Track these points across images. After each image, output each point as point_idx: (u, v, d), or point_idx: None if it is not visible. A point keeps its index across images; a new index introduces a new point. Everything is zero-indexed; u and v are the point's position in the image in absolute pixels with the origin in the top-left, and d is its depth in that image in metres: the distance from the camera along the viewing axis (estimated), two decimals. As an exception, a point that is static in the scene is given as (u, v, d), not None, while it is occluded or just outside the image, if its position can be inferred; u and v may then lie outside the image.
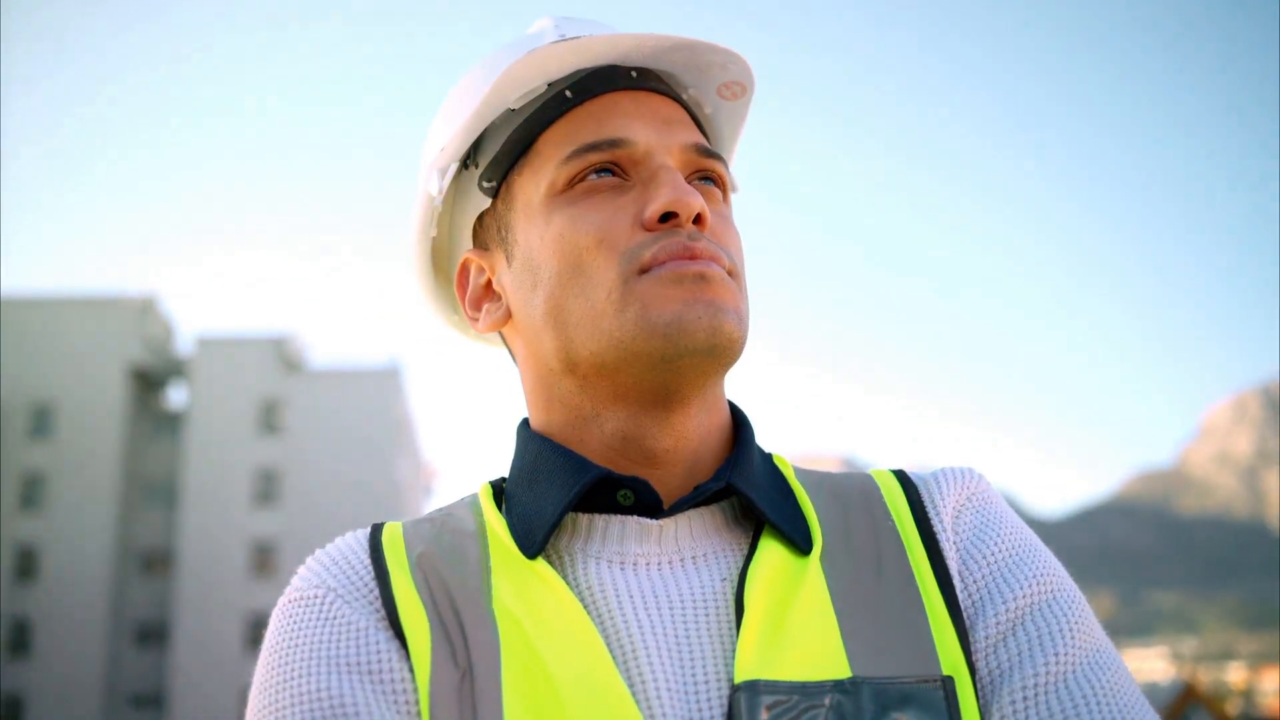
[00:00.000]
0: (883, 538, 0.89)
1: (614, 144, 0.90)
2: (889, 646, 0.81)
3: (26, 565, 45.61)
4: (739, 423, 0.96)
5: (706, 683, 0.79)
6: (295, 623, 0.84)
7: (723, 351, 0.85)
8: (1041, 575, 0.88)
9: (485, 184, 0.96)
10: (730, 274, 0.88)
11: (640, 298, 0.85)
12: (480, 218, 0.99)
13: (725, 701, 0.78)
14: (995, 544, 0.90)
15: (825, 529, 0.89)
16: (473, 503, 0.94)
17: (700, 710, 0.77)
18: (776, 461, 0.96)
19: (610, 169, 0.91)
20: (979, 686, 0.82)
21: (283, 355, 49.48)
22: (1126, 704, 0.82)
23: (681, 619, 0.82)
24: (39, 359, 47.21)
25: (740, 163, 1.07)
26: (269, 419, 48.53)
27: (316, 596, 0.85)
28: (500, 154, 0.95)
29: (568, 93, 0.93)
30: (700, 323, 0.84)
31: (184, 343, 53.14)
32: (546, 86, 0.93)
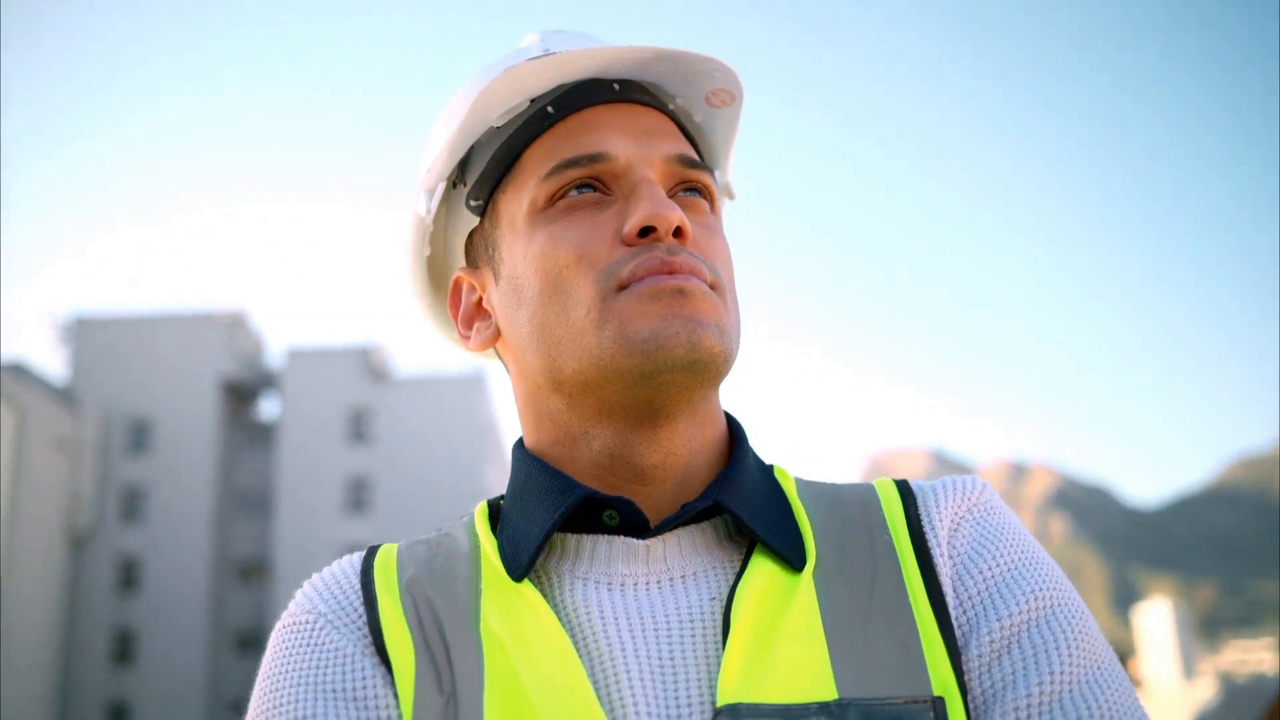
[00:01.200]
0: (878, 553, 0.87)
1: (593, 159, 0.89)
2: (878, 666, 0.79)
3: (130, 576, 46.75)
4: (735, 437, 0.95)
5: (690, 705, 0.78)
6: (286, 648, 0.86)
7: (704, 366, 0.85)
8: (1040, 589, 0.85)
9: (472, 203, 0.97)
10: (713, 287, 0.87)
11: (618, 315, 0.85)
12: (470, 235, 0.99)
13: None
14: (993, 557, 0.87)
15: (821, 544, 0.87)
16: (469, 523, 0.94)
17: None
18: (778, 475, 0.95)
19: (591, 184, 0.90)
20: (972, 706, 0.80)
21: (369, 365, 50.09)
22: (1125, 715, 0.79)
23: (666, 640, 0.81)
24: (136, 376, 48.35)
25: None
26: (358, 428, 49.15)
27: (306, 622, 0.87)
28: (485, 172, 0.95)
29: (549, 109, 0.93)
30: (678, 338, 0.83)
31: (273, 356, 54.12)
32: (529, 103, 0.93)
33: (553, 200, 0.91)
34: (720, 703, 0.76)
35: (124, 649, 46.27)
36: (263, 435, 51.83)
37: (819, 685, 0.77)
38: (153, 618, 46.23)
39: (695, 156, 0.93)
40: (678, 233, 0.86)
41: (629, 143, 0.90)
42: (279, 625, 0.89)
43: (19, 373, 42.24)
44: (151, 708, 45.59)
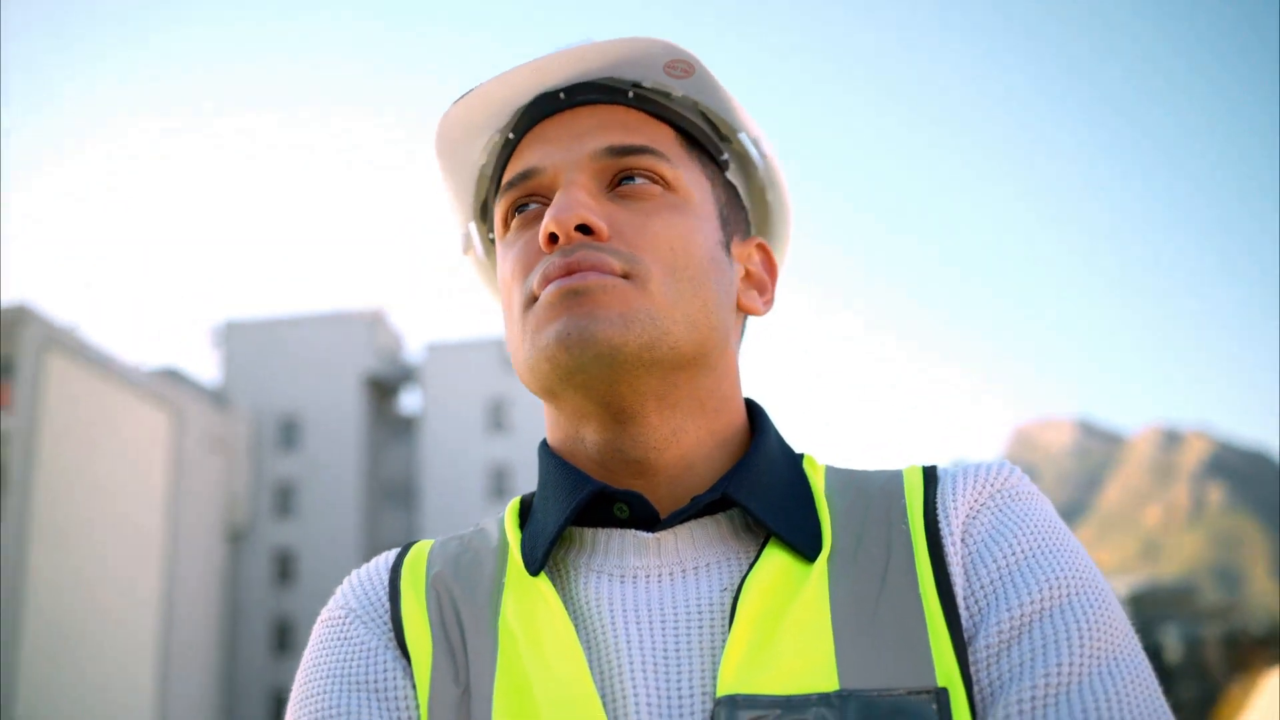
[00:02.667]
0: (894, 542, 0.85)
1: (524, 176, 0.92)
2: (883, 657, 0.77)
3: (285, 569, 48.50)
4: (758, 427, 0.94)
5: (692, 697, 0.78)
6: (320, 642, 0.90)
7: (615, 360, 0.84)
8: (1057, 578, 0.81)
9: (490, 236, 1.02)
10: (628, 275, 0.86)
11: (531, 325, 0.87)
12: None
13: (707, 717, 0.77)
14: (1009, 545, 0.84)
15: (839, 534, 0.86)
16: (500, 519, 0.96)
17: None
18: (807, 464, 0.94)
19: (532, 201, 0.93)
20: (979, 698, 0.77)
21: (506, 356, 50.67)
22: (1135, 714, 0.74)
23: (673, 631, 0.82)
24: (283, 376, 50.08)
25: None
26: (497, 418, 50.01)
27: (338, 618, 0.91)
28: (487, 205, 1.02)
29: (510, 135, 0.96)
30: (572, 338, 0.84)
31: (412, 351, 55.38)
32: (505, 137, 0.97)
33: (507, 222, 0.95)
34: (719, 694, 0.76)
35: (283, 638, 48.00)
36: (405, 428, 53.15)
37: (821, 676, 0.76)
38: (309, 607, 47.72)
39: (633, 143, 0.91)
40: (588, 230, 0.87)
41: (559, 151, 0.91)
42: (318, 620, 0.93)
43: (173, 377, 44.08)
44: (311, 695, 46.98)
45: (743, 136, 0.98)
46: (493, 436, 49.63)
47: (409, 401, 54.64)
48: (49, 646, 31.67)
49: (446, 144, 0.98)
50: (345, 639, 0.89)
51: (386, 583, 0.92)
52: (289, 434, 49.77)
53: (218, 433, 44.51)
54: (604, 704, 0.79)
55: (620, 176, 0.91)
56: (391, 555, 0.96)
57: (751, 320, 1.03)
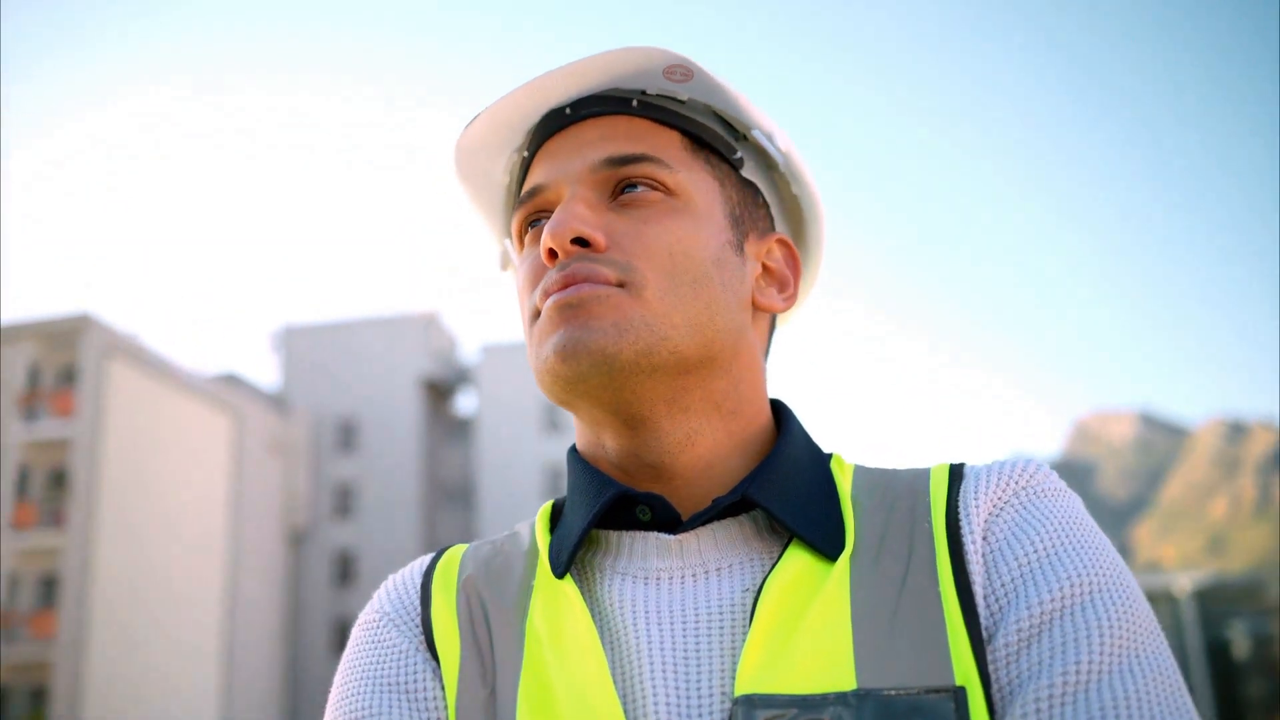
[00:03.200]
0: (917, 540, 0.84)
1: (533, 193, 0.94)
2: (902, 656, 0.77)
3: (346, 569, 49.00)
4: (782, 428, 0.94)
5: (711, 696, 0.78)
6: (355, 645, 0.93)
7: (611, 366, 0.85)
8: (1079, 575, 0.80)
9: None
10: (622, 284, 0.87)
11: (535, 339, 0.89)
12: None
13: (725, 716, 0.77)
14: (1030, 543, 0.83)
15: (863, 534, 0.86)
16: (533, 523, 0.97)
17: None
18: (835, 464, 0.94)
19: (541, 216, 0.94)
20: (997, 697, 0.76)
21: (561, 355, 51.02)
22: (1155, 713, 0.73)
23: (694, 632, 0.82)
24: (341, 379, 50.63)
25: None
26: (552, 417, 50.16)
27: (373, 621, 0.93)
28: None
29: (525, 153, 0.98)
30: (568, 350, 0.85)
31: (467, 353, 55.76)
32: (521, 156, 0.99)
33: (521, 238, 0.97)
34: (737, 693, 0.76)
35: (343, 638, 48.21)
36: (462, 429, 53.53)
37: (839, 675, 0.76)
38: (369, 609, 48.16)
39: (631, 153, 0.91)
40: (584, 243, 0.88)
41: (563, 166, 0.93)
42: (355, 623, 0.95)
43: (234, 382, 44.81)
44: (373, 695, 47.46)
45: (756, 133, 0.98)
46: (548, 436, 49.81)
47: (465, 403, 55.05)
48: (115, 647, 32.26)
49: (466, 168, 1.00)
50: (379, 642, 0.91)
51: (419, 587, 0.94)
52: (347, 436, 50.30)
53: (278, 436, 45.14)
54: (624, 705, 0.79)
55: (621, 185, 0.91)
56: (426, 560, 0.97)
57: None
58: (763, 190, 0.99)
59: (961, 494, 0.87)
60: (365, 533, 49.08)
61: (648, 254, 0.88)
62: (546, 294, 0.88)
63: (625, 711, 0.79)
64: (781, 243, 0.99)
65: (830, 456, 0.95)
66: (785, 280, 0.98)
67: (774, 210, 1.01)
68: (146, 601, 33.71)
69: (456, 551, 0.97)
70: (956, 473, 0.90)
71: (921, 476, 0.91)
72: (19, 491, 33.03)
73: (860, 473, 0.93)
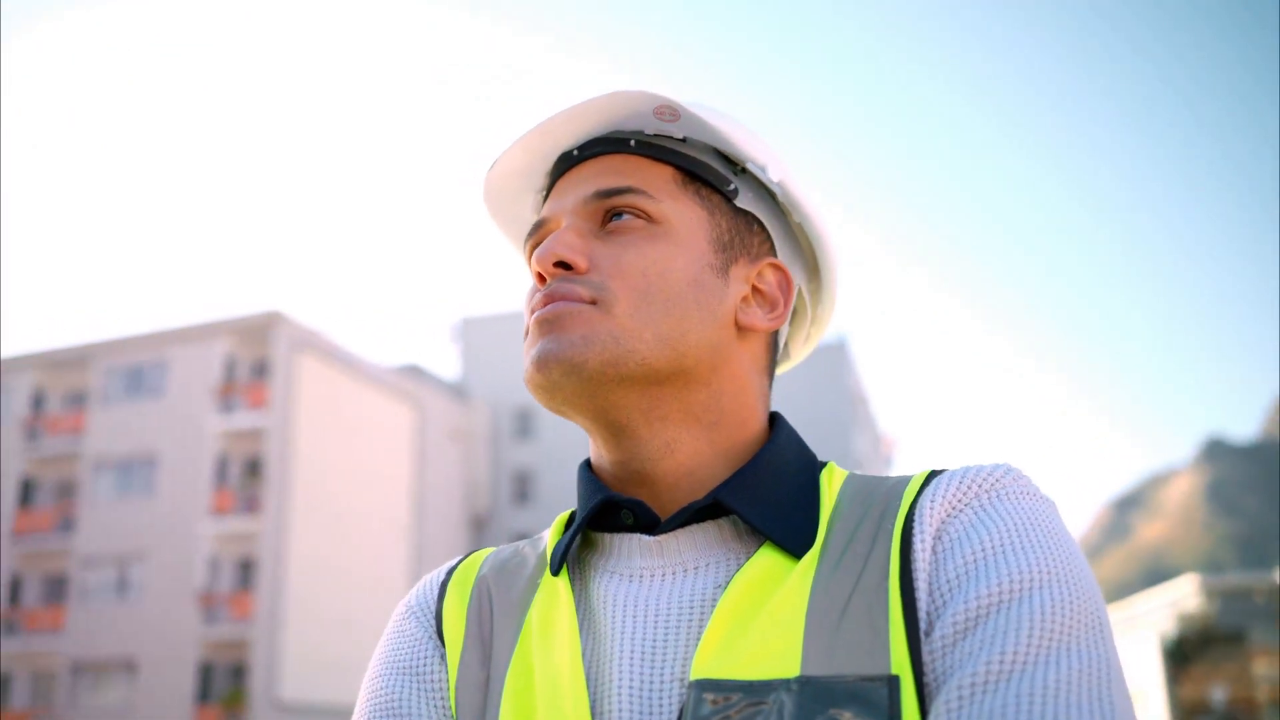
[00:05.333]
0: (878, 541, 0.89)
1: (538, 226, 1.03)
2: (845, 647, 0.82)
3: (527, 554, 49.94)
4: (770, 439, 1.00)
5: (673, 682, 0.86)
6: (385, 634, 1.04)
7: (585, 375, 0.93)
8: (1021, 571, 0.83)
9: None
10: (594, 301, 0.95)
11: (524, 352, 0.98)
12: None
13: (680, 700, 0.84)
14: (980, 540, 0.86)
15: (834, 535, 0.91)
16: (553, 525, 1.07)
17: (656, 708, 0.85)
18: (826, 472, 0.99)
19: None
20: (932, 688, 0.80)
21: (732, 341, 50.84)
22: (1072, 704, 0.74)
23: (664, 623, 0.90)
24: (519, 368, 51.34)
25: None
26: (726, 404, 50.14)
27: (400, 614, 1.05)
28: None
29: (543, 193, 1.09)
30: (541, 360, 0.94)
31: (641, 339, 55.98)
32: (541, 196, 1.10)
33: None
34: (691, 678, 0.83)
35: (526, 622, 49.38)
36: (636, 416, 53.82)
37: (785, 663, 0.81)
38: (550, 592, 49.02)
39: (617, 185, 0.99)
40: (567, 266, 0.97)
41: (563, 200, 1.02)
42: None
43: (416, 373, 46.22)
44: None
45: (751, 166, 1.04)
46: (722, 422, 49.67)
47: (638, 390, 55.26)
48: (308, 627, 33.74)
49: (496, 210, 1.12)
50: (400, 632, 1.02)
51: (439, 584, 1.05)
52: (525, 424, 51.27)
53: (458, 425, 46.44)
54: (592, 687, 0.88)
55: (610, 215, 0.99)
56: (454, 561, 1.09)
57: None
58: (763, 219, 1.05)
59: (922, 496, 0.91)
60: (543, 519, 49.75)
61: (622, 275, 0.95)
62: (531, 312, 0.97)
63: (591, 693, 0.87)
64: (774, 267, 1.04)
65: (823, 465, 1.01)
66: (775, 301, 1.03)
67: (777, 237, 1.06)
68: (337, 583, 35.18)
69: (481, 553, 1.08)
70: (930, 478, 0.94)
71: (901, 483, 0.95)
72: (218, 479, 34.98)
73: (849, 480, 0.99)
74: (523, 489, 50.54)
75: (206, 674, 33.17)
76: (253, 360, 36.70)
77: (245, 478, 35.34)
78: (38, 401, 38.32)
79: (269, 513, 33.75)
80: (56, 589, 36.10)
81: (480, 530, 48.47)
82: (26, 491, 37.19)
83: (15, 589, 36.21)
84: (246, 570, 34.41)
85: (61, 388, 38.51)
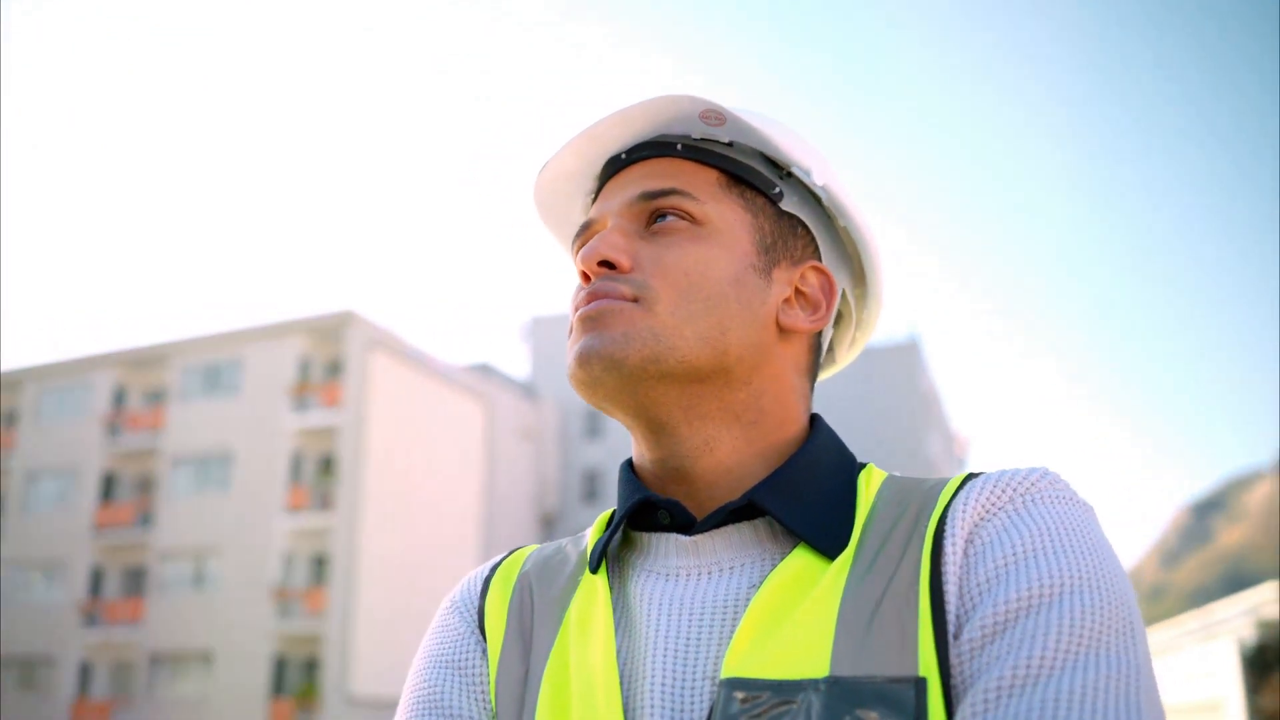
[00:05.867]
0: (913, 543, 0.89)
1: (585, 227, 1.05)
2: (875, 648, 0.82)
3: (596, 553, 50.14)
4: (809, 439, 1.00)
5: (704, 680, 0.86)
6: (430, 628, 1.06)
7: (625, 371, 0.94)
8: (1053, 575, 0.82)
9: None
10: (636, 299, 0.96)
11: (569, 353, 0.99)
12: None
13: (711, 698, 0.85)
14: (1012, 544, 0.85)
15: (869, 536, 0.91)
16: (595, 523, 1.08)
17: (687, 705, 0.86)
18: (865, 474, 0.99)
19: None
20: (959, 691, 0.80)
21: (802, 341, 50.59)
22: (1098, 710, 0.74)
23: (698, 622, 0.90)
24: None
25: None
26: (796, 403, 49.91)
27: (445, 609, 1.06)
28: None
29: (593, 196, 1.11)
30: (584, 356, 0.95)
31: (710, 338, 55.87)
32: (591, 199, 1.12)
33: None
34: (722, 676, 0.84)
35: (594, 620, 49.55)
36: (705, 415, 53.72)
37: (815, 664, 0.82)
38: (618, 591, 49.14)
39: (662, 188, 1.01)
40: (611, 265, 0.98)
41: (609, 202, 1.03)
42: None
43: (486, 371, 46.62)
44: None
45: (796, 169, 1.04)
46: (792, 422, 49.46)
47: (708, 389, 55.19)
48: (379, 622, 34.14)
49: (547, 214, 1.13)
50: (444, 626, 1.04)
51: (484, 580, 1.07)
52: (594, 423, 51.46)
53: (528, 423, 46.78)
54: (625, 684, 0.89)
55: (654, 216, 1.00)
56: (500, 557, 1.11)
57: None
58: (808, 222, 1.05)
59: (956, 500, 0.90)
60: (612, 517, 50.00)
61: (664, 274, 0.97)
62: (575, 309, 0.99)
63: (624, 690, 0.88)
64: (817, 270, 1.04)
65: (862, 466, 1.01)
66: (818, 304, 1.03)
67: (822, 241, 1.06)
68: (408, 580, 35.56)
69: (525, 550, 1.10)
70: (967, 481, 0.93)
71: (939, 485, 0.95)
72: (292, 476, 35.57)
73: (888, 482, 0.98)
74: (592, 488, 50.73)
75: (280, 668, 33.72)
76: (326, 359, 37.23)
77: (319, 475, 35.89)
78: (119, 398, 39.22)
79: (342, 509, 34.23)
80: (136, 581, 36.93)
81: (550, 528, 48.73)
82: (108, 486, 38.07)
83: (96, 581, 37.10)
84: (319, 566, 34.92)
85: (141, 385, 39.39)
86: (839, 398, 49.01)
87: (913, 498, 0.94)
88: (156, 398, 38.97)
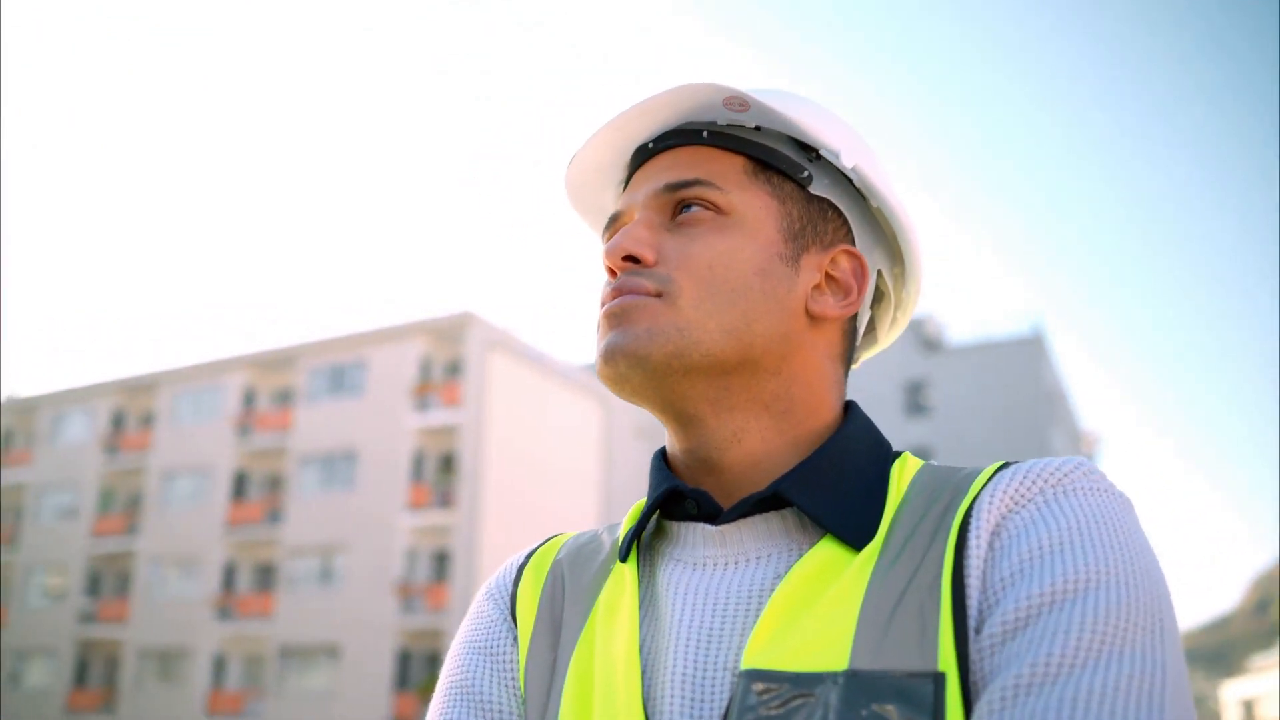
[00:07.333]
0: (939, 534, 0.87)
1: (613, 219, 1.05)
2: (896, 642, 0.81)
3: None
4: (841, 429, 0.99)
5: (724, 671, 0.86)
6: (467, 615, 1.08)
7: (650, 367, 0.94)
8: (1079, 570, 0.80)
9: None
10: (660, 294, 0.96)
11: (596, 350, 1.00)
12: None
13: (731, 688, 0.85)
14: (1038, 538, 0.83)
15: (898, 527, 0.90)
16: (629, 513, 1.09)
17: (707, 695, 0.86)
18: (899, 462, 0.98)
19: None
20: (975, 686, 0.78)
21: (922, 336, 50.04)
22: (1118, 711, 0.72)
23: (721, 612, 0.90)
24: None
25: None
26: (915, 399, 49.34)
27: (480, 596, 1.09)
28: None
29: (623, 186, 1.11)
30: (609, 352, 0.95)
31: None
32: (622, 188, 1.12)
33: None
34: (742, 667, 0.83)
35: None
36: (823, 413, 53.29)
37: (835, 656, 0.81)
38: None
39: (686, 178, 1.00)
40: (635, 260, 0.98)
41: (636, 193, 1.03)
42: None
43: (602, 370, 46.77)
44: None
45: (825, 152, 1.03)
46: (911, 419, 48.99)
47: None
48: (501, 619, 34.52)
49: (579, 203, 1.14)
50: (479, 613, 1.06)
51: (518, 568, 1.08)
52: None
53: (643, 422, 46.82)
54: (646, 673, 0.90)
55: (680, 207, 1.00)
56: (534, 546, 1.12)
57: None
58: (839, 205, 1.04)
59: (985, 490, 0.88)
60: (730, 515, 49.89)
61: (688, 267, 0.96)
62: (601, 304, 0.99)
63: (645, 679, 0.89)
64: (848, 253, 1.03)
65: (897, 455, 1.00)
66: (849, 288, 1.02)
67: (855, 222, 1.05)
68: (527, 577, 35.84)
69: (561, 538, 1.11)
70: (1000, 470, 0.91)
71: (971, 475, 0.93)
72: (414, 474, 36.23)
73: (922, 471, 0.97)
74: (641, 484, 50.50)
75: (404, 661, 34.39)
76: (447, 359, 37.85)
77: (440, 473, 36.51)
78: (249, 399, 40.47)
79: (462, 507, 34.78)
80: (266, 577, 38.10)
81: (667, 526, 48.65)
82: (239, 485, 39.30)
83: (229, 577, 38.33)
84: (441, 562, 35.53)
85: (270, 387, 40.55)
86: (959, 395, 48.23)
87: (944, 488, 0.92)
88: (284, 399, 40.06)
